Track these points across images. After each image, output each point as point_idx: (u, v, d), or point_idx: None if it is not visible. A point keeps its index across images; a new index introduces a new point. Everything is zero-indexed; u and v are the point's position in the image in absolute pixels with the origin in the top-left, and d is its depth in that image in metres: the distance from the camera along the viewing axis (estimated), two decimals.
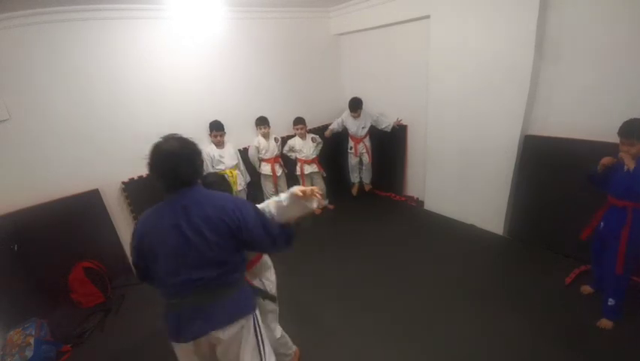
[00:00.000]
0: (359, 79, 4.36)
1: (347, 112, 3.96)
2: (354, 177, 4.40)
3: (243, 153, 3.69)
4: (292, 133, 3.84)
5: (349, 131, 4.07)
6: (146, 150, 1.24)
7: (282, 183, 3.85)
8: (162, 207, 1.29)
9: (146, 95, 3.10)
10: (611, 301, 2.06)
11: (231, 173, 3.30)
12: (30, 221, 2.62)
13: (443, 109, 3.37)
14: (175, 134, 1.28)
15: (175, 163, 1.23)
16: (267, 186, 3.83)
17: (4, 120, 2.53)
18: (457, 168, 3.42)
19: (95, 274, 2.88)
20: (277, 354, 1.75)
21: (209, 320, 1.28)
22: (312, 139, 3.83)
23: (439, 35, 3.16)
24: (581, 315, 2.21)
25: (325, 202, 4.14)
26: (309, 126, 4.23)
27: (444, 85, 3.27)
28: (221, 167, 3.31)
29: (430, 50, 3.27)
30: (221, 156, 3.33)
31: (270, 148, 3.64)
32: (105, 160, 2.96)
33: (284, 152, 3.82)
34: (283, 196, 1.38)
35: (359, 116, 3.90)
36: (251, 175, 3.73)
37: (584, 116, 2.51)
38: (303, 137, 3.77)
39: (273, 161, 3.67)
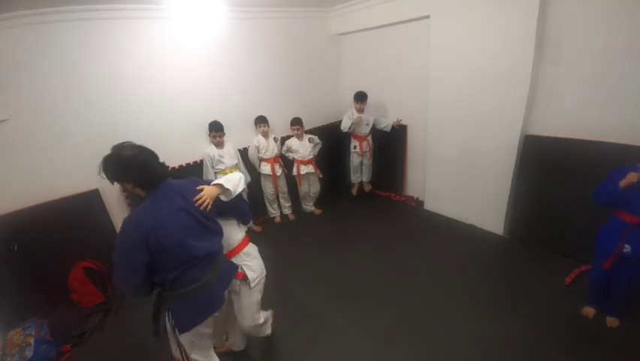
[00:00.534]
0: (359, 79, 4.35)
1: (350, 110, 3.88)
2: (356, 178, 4.35)
3: (243, 152, 3.68)
4: (291, 133, 3.84)
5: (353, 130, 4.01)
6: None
7: (282, 182, 3.85)
8: (155, 205, 1.40)
9: (146, 95, 3.09)
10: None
11: (231, 173, 3.30)
12: (30, 221, 2.62)
13: (443, 109, 3.36)
14: (125, 142, 1.40)
15: (153, 161, 1.42)
16: (267, 186, 3.83)
17: (4, 120, 2.53)
18: (457, 168, 3.42)
19: (95, 274, 2.88)
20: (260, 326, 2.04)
21: (228, 277, 1.62)
22: (310, 139, 3.81)
23: (438, 35, 3.16)
24: (582, 315, 2.21)
25: (311, 208, 4.14)
26: (309, 126, 4.24)
27: (444, 85, 3.27)
28: (222, 167, 3.31)
29: (430, 50, 3.27)
30: (220, 156, 3.33)
31: (270, 148, 3.64)
32: None
33: (282, 152, 3.82)
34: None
35: (363, 110, 3.83)
36: (251, 175, 3.72)
37: (584, 116, 2.51)
38: (300, 137, 3.76)
39: (272, 161, 3.66)
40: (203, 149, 3.39)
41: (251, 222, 3.77)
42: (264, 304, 2.09)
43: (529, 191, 2.91)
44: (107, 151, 1.40)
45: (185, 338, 1.54)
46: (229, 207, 1.67)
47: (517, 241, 3.10)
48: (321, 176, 3.98)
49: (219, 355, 1.80)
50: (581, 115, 2.52)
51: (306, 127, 4.10)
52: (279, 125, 3.89)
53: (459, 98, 3.17)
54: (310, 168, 3.85)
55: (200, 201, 1.47)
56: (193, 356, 1.58)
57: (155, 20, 3.00)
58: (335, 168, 4.46)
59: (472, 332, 2.20)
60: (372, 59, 4.09)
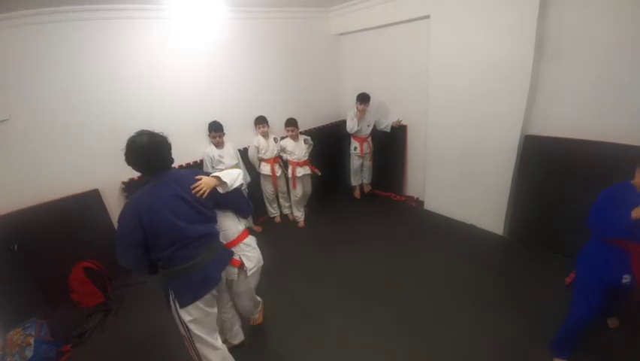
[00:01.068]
0: (359, 79, 4.35)
1: (352, 112, 3.88)
2: (356, 180, 4.33)
3: (243, 153, 3.68)
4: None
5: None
6: None
7: (282, 183, 3.84)
8: (152, 189, 1.56)
9: (145, 95, 3.09)
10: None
11: None
12: (30, 221, 2.62)
13: (443, 109, 3.36)
14: (144, 130, 1.58)
15: (159, 150, 1.57)
16: (267, 186, 3.83)
17: (4, 120, 2.53)
18: (457, 168, 3.42)
19: (95, 274, 2.88)
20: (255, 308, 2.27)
21: (223, 260, 1.76)
22: (305, 141, 3.70)
23: (439, 35, 3.15)
24: None
25: (300, 215, 3.92)
26: (310, 127, 4.24)
27: (444, 85, 3.27)
28: (221, 167, 3.30)
29: (430, 50, 3.27)
30: (220, 156, 3.33)
31: (270, 148, 3.64)
32: (105, 160, 2.96)
33: (278, 153, 3.78)
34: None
35: (365, 111, 3.82)
36: (251, 175, 3.72)
37: (584, 116, 2.51)
38: (295, 138, 3.63)
39: (272, 161, 3.66)
40: (203, 149, 3.39)
41: (251, 222, 3.77)
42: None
43: (529, 191, 2.91)
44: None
45: (187, 315, 1.63)
46: (226, 200, 1.80)
47: (517, 241, 3.10)
48: (319, 174, 3.83)
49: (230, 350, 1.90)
50: (581, 115, 2.52)
51: (307, 127, 4.11)
52: (279, 125, 3.87)
53: (459, 98, 3.17)
54: (307, 170, 3.72)
55: (197, 189, 1.62)
56: (196, 332, 1.67)
57: (155, 20, 3.00)
58: (335, 168, 4.46)
59: (472, 332, 2.20)
60: (372, 59, 4.09)
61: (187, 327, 1.66)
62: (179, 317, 1.65)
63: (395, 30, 3.68)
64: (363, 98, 3.75)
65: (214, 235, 1.75)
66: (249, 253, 1.97)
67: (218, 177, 1.70)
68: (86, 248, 2.90)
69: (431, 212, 3.86)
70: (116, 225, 3.05)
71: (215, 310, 1.78)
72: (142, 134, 1.56)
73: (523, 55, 2.59)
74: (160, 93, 3.17)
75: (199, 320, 1.67)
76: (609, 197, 1.68)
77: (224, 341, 2.09)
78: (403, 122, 3.94)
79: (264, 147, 3.62)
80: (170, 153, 1.64)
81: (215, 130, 3.29)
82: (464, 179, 3.40)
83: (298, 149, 3.64)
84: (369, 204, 4.28)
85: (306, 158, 3.71)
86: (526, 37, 2.54)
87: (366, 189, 4.45)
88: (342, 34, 4.33)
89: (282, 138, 3.73)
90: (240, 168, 3.50)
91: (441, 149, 3.53)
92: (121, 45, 2.89)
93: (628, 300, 1.92)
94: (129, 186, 3.10)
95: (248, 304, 2.14)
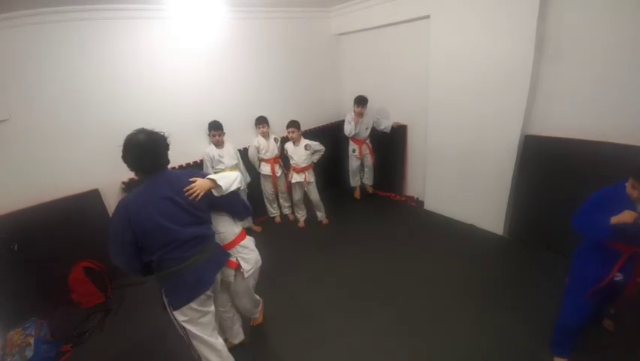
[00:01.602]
0: (359, 79, 4.35)
1: (349, 115, 3.87)
2: (355, 181, 4.33)
3: (243, 153, 3.68)
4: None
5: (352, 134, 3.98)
6: None
7: (282, 183, 3.84)
8: (144, 190, 1.54)
9: (145, 95, 3.09)
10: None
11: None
12: (30, 221, 2.62)
13: (443, 109, 3.36)
14: (143, 128, 1.56)
15: (155, 149, 1.55)
16: (267, 186, 3.83)
17: (4, 120, 2.53)
18: (457, 167, 3.42)
19: (95, 274, 2.88)
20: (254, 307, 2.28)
21: (218, 262, 1.75)
22: (306, 146, 3.47)
23: (439, 35, 3.15)
24: None
25: (301, 217, 3.86)
26: (310, 127, 4.24)
27: (444, 84, 3.27)
28: (221, 167, 3.31)
29: (430, 50, 3.27)
30: (220, 156, 3.32)
31: (270, 148, 3.64)
32: (105, 160, 2.95)
33: (280, 153, 3.74)
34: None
35: (362, 114, 3.82)
36: (251, 175, 3.72)
37: (584, 116, 2.51)
38: (296, 141, 3.49)
39: (272, 161, 3.66)
40: (203, 149, 3.39)
41: (251, 222, 3.77)
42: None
43: (529, 191, 2.91)
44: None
45: (182, 315, 1.62)
46: (221, 203, 1.78)
47: (517, 241, 3.10)
48: (309, 182, 3.59)
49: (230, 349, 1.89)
50: (581, 115, 2.52)
51: (307, 127, 4.09)
52: (280, 125, 3.87)
53: (459, 98, 3.17)
54: (302, 177, 3.53)
55: (190, 192, 1.59)
56: (193, 331, 1.66)
57: (155, 20, 3.00)
58: (334, 168, 4.46)
59: (472, 332, 2.20)
60: (373, 58, 4.09)
61: (183, 327, 1.65)
62: (175, 317, 1.64)
63: (395, 30, 3.68)
64: (360, 101, 3.74)
65: (208, 236, 1.72)
66: (246, 255, 1.96)
67: (213, 180, 1.68)
68: (86, 248, 2.90)
69: (431, 212, 3.86)
70: None
71: (212, 308, 1.75)
72: (140, 132, 1.55)
73: (523, 55, 2.59)
74: (160, 93, 3.17)
75: (194, 320, 1.65)
76: (602, 198, 1.64)
77: (225, 341, 2.09)
78: (403, 122, 3.94)
79: (264, 147, 3.62)
80: (166, 153, 1.62)
81: (215, 129, 3.29)
82: (464, 179, 3.40)
83: (297, 154, 3.50)
84: (369, 204, 4.28)
85: (306, 164, 3.52)
86: (526, 37, 2.54)
87: (369, 190, 4.42)
88: (342, 34, 4.33)
89: (283, 138, 3.71)
90: (240, 168, 3.51)
91: (441, 149, 3.53)
92: (121, 45, 2.89)
93: (622, 299, 1.91)
94: (129, 186, 3.10)
95: (247, 303, 2.14)
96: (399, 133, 4.01)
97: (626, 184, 1.54)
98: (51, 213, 2.72)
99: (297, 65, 4.10)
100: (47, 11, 2.51)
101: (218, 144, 3.34)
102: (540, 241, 2.96)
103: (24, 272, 2.65)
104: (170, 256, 1.56)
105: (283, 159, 3.77)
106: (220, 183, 1.68)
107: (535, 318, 2.23)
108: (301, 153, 3.49)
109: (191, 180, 1.63)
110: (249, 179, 3.65)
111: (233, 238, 1.92)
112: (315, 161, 3.62)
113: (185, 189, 1.59)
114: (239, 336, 2.20)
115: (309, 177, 3.58)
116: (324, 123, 4.50)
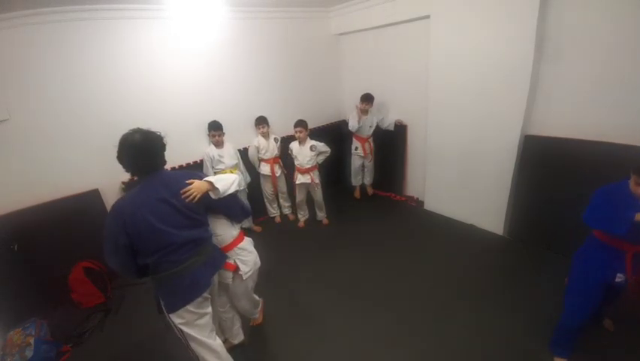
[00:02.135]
0: (359, 79, 4.35)
1: (355, 110, 3.85)
2: (357, 180, 4.33)
3: (243, 153, 3.68)
4: (292, 133, 3.71)
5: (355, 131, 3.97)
6: None
7: (282, 183, 3.84)
8: (140, 192, 1.51)
9: (145, 95, 3.09)
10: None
11: (231, 173, 3.29)
12: (30, 221, 2.62)
13: (443, 109, 3.36)
14: (139, 128, 1.53)
15: (151, 150, 1.52)
16: (266, 186, 3.83)
17: (4, 120, 2.53)
18: (457, 167, 3.42)
19: (95, 274, 2.88)
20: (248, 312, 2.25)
21: (215, 264, 1.72)
22: (312, 147, 3.42)
23: (439, 35, 3.15)
24: None
25: (302, 217, 3.86)
26: (310, 126, 4.18)
27: (444, 85, 3.27)
28: (221, 167, 3.31)
29: (430, 50, 3.27)
30: (220, 156, 3.32)
31: (270, 148, 3.64)
32: (105, 160, 2.93)
33: (279, 153, 3.73)
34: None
35: (367, 111, 3.82)
36: (251, 175, 3.72)
37: (584, 116, 2.51)
38: (302, 141, 3.44)
39: (272, 161, 3.66)
40: (203, 149, 3.40)
41: (251, 222, 3.77)
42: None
43: (529, 191, 2.91)
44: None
45: (178, 318, 1.60)
46: (219, 205, 1.74)
47: (517, 241, 3.10)
48: (317, 183, 3.60)
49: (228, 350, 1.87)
50: (581, 115, 2.52)
51: (307, 131, 4.06)
52: (280, 125, 3.88)
53: (459, 98, 3.17)
54: (307, 179, 3.50)
55: (187, 194, 1.55)
56: (191, 333, 1.64)
57: (155, 20, 3.00)
58: (335, 168, 4.46)
59: (471, 331, 2.20)
60: (372, 58, 4.09)
61: (180, 330, 1.63)
62: (171, 320, 1.62)
63: (395, 30, 3.68)
64: (366, 98, 3.76)
65: (205, 238, 1.68)
66: (245, 257, 1.93)
67: (210, 182, 1.63)
68: (86, 248, 2.88)
69: (431, 212, 3.86)
70: None
71: (209, 310, 1.72)
72: (136, 131, 1.52)
73: (523, 55, 2.59)
74: (160, 93, 3.17)
75: (191, 322, 1.63)
76: (609, 193, 1.65)
77: (225, 341, 2.09)
78: (403, 122, 3.94)
79: (264, 147, 3.62)
80: (163, 154, 1.58)
81: (215, 129, 3.29)
82: (464, 179, 3.40)
83: (302, 154, 3.46)
84: (369, 204, 4.28)
85: (310, 165, 3.48)
86: (526, 37, 2.54)
87: (369, 191, 4.41)
88: (342, 34, 4.33)
89: (284, 138, 3.71)
90: (240, 168, 3.51)
91: (441, 149, 3.53)
92: (121, 45, 2.89)
93: (622, 300, 1.93)
94: (129, 186, 3.10)
95: (246, 304, 2.13)
96: (399, 133, 4.01)
97: (629, 182, 1.57)
98: (51, 214, 2.72)
99: (297, 65, 4.10)
100: (47, 11, 2.51)
101: (218, 144, 3.34)
102: (540, 241, 2.96)
103: (24, 272, 2.66)
104: (167, 259, 1.53)
105: (284, 159, 3.77)
106: (217, 185, 1.63)
107: (535, 318, 2.23)
108: (306, 153, 3.45)
109: (188, 181, 1.59)
110: (249, 179, 3.65)
111: (231, 240, 1.89)
112: (319, 162, 3.59)
113: (181, 191, 1.55)
114: (238, 336, 2.20)
115: (316, 178, 3.57)
116: (324, 123, 4.50)
